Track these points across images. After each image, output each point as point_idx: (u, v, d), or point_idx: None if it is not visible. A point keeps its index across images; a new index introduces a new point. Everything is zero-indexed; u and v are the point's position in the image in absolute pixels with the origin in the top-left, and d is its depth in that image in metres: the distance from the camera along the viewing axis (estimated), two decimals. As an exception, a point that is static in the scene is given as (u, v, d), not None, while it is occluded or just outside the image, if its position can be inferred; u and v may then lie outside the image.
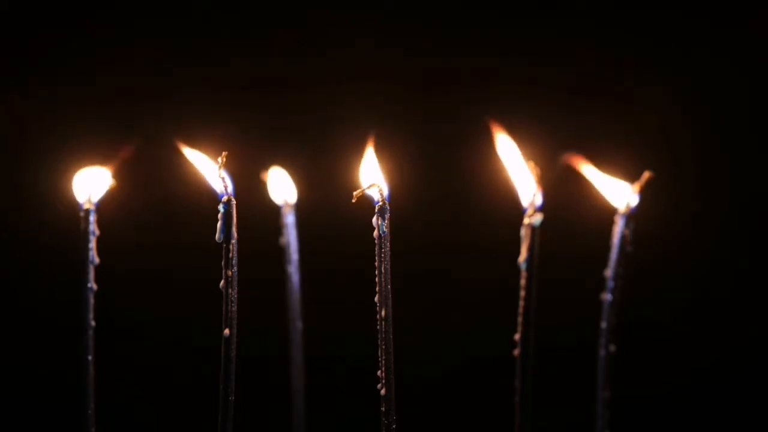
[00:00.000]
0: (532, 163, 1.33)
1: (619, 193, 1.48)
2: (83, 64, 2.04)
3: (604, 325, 1.48)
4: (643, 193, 1.47)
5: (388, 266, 1.29)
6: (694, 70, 2.03)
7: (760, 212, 2.05)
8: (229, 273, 1.29)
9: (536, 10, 2.06)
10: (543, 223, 1.27)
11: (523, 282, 1.28)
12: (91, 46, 2.05)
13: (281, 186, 1.72)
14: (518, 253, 1.28)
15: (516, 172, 1.37)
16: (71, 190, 1.39)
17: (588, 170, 1.55)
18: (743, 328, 2.06)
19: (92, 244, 1.35)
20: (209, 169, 1.38)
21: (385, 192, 1.30)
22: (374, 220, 1.29)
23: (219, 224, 1.29)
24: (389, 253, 1.29)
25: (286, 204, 1.70)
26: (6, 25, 2.02)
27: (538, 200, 1.27)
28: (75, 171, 1.40)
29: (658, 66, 2.04)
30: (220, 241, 1.29)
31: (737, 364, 2.07)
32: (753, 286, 2.06)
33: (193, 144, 1.42)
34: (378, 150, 1.36)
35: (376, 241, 1.29)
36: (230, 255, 1.29)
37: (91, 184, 1.38)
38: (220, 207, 1.30)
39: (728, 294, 2.06)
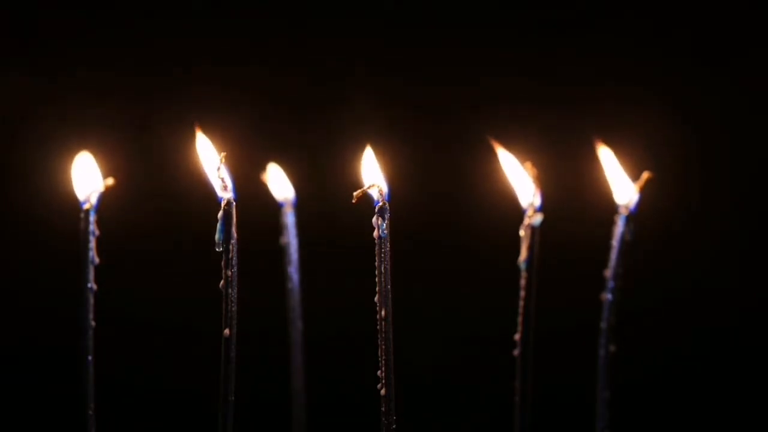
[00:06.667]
0: (529, 164, 1.34)
1: (623, 190, 1.48)
2: (84, 60, 2.04)
3: (604, 325, 1.48)
4: (643, 193, 1.47)
5: (388, 266, 1.28)
6: (693, 69, 2.04)
7: (759, 211, 2.05)
8: (229, 273, 1.29)
9: (535, 11, 2.06)
10: (543, 222, 1.27)
11: (523, 282, 1.28)
12: (93, 42, 2.05)
13: (281, 186, 1.72)
14: (518, 253, 1.28)
15: (515, 173, 1.37)
16: (71, 188, 1.39)
17: (606, 157, 1.54)
18: (742, 326, 2.06)
19: (92, 244, 1.35)
20: (211, 167, 1.38)
21: (385, 192, 1.30)
22: (374, 220, 1.29)
23: (218, 225, 1.29)
24: (389, 253, 1.29)
25: (287, 204, 1.70)
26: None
27: (538, 200, 1.27)
28: (74, 168, 1.40)
29: (658, 66, 2.04)
30: (218, 246, 1.29)
31: (736, 363, 2.07)
32: (753, 283, 2.06)
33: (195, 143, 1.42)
34: (377, 152, 1.36)
35: (376, 242, 1.28)
36: (230, 255, 1.29)
37: (90, 183, 1.37)
38: (220, 214, 1.29)
39: (727, 291, 2.06)
